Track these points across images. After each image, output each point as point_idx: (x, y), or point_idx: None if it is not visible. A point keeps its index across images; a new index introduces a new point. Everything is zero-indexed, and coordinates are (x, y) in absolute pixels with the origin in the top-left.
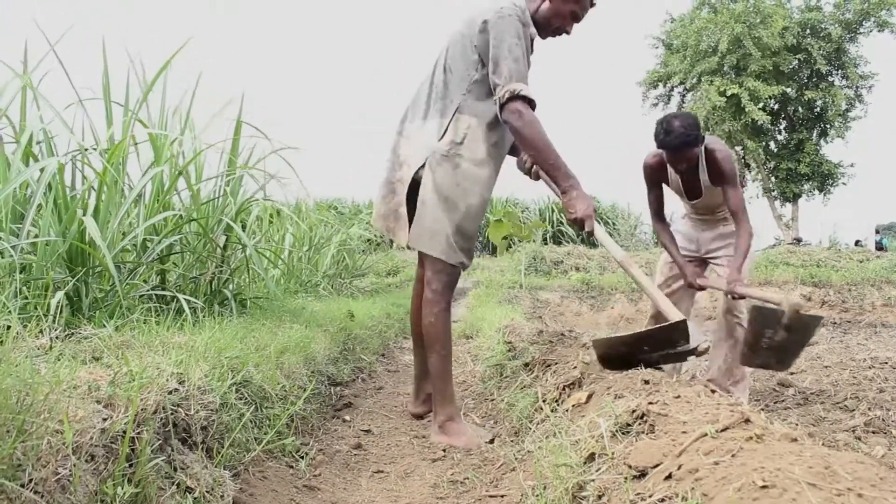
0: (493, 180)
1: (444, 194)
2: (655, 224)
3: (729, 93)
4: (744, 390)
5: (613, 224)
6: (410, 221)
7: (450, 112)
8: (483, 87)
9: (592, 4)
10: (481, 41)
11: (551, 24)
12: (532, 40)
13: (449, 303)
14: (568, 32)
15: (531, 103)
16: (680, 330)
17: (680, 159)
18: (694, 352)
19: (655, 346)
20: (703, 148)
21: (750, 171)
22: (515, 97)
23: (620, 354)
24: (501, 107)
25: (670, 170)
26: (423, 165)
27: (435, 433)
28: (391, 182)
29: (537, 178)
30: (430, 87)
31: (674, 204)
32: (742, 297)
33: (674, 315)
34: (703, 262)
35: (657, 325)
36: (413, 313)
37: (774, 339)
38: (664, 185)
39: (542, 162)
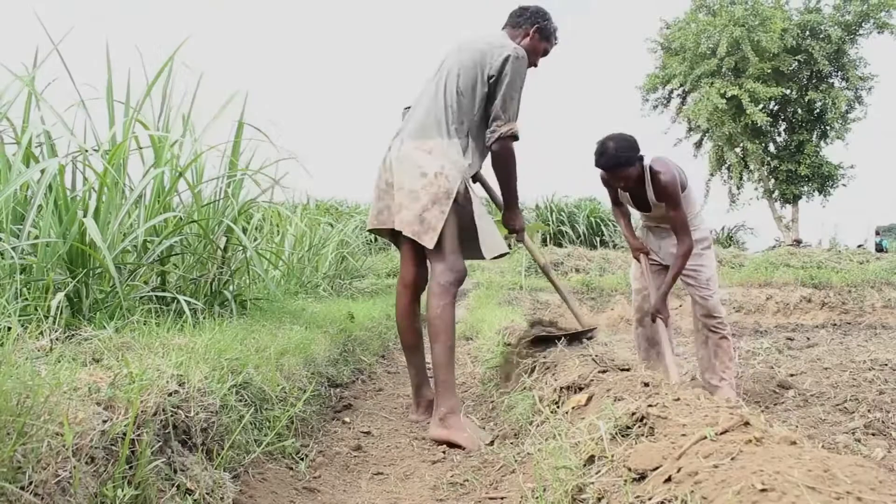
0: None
1: (479, 208)
2: (613, 209)
3: (729, 94)
4: (730, 389)
5: (607, 225)
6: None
7: (464, 133)
8: (485, 117)
9: (556, 42)
10: (497, 73)
11: (529, 58)
12: None
13: (455, 297)
14: (535, 66)
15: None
16: (592, 332)
17: (615, 178)
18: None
19: (571, 340)
20: (648, 167)
21: (750, 173)
22: (514, 136)
23: (548, 340)
24: (499, 138)
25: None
26: (461, 181)
27: (435, 425)
28: (413, 191)
29: (475, 181)
30: (446, 107)
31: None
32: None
33: (587, 322)
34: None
35: (581, 330)
36: (402, 320)
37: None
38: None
39: (509, 185)
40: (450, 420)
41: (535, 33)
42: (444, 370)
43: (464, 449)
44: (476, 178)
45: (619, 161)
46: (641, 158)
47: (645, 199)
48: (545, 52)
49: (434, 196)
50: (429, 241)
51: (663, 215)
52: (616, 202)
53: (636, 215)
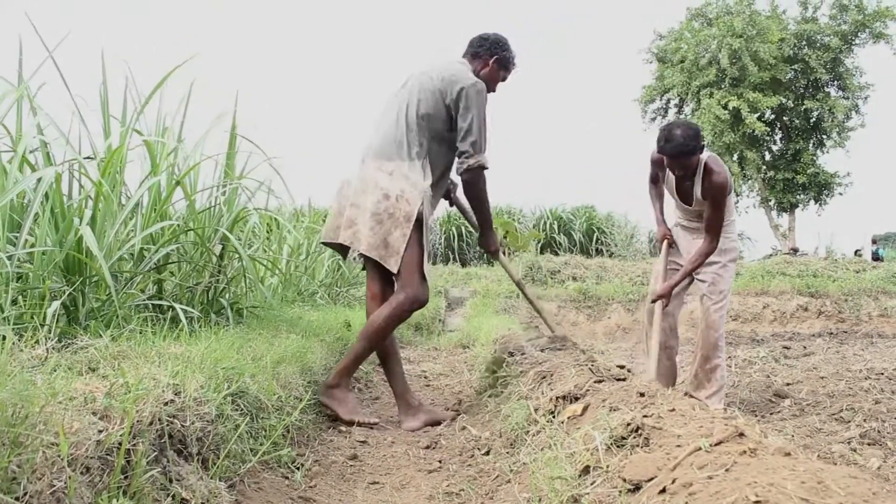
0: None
1: (429, 227)
2: (650, 187)
3: (731, 105)
4: (720, 400)
5: (609, 232)
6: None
7: (424, 155)
8: (450, 143)
9: (514, 68)
10: (454, 105)
11: (488, 86)
12: None
13: (405, 318)
14: (494, 91)
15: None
16: (560, 339)
17: (677, 166)
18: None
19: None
20: (703, 161)
21: (747, 182)
22: (481, 167)
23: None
24: (467, 169)
25: (668, 171)
26: (421, 203)
27: (321, 393)
28: (376, 213)
29: (451, 204)
30: (407, 129)
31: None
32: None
33: (557, 330)
34: (690, 280)
35: (550, 336)
36: None
37: None
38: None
39: (481, 211)
40: (332, 392)
41: (495, 63)
42: (353, 361)
43: (341, 419)
44: (452, 201)
45: (685, 149)
46: (703, 149)
47: (689, 192)
48: (503, 79)
49: (396, 220)
50: (393, 265)
51: (701, 212)
52: (655, 181)
53: (669, 210)
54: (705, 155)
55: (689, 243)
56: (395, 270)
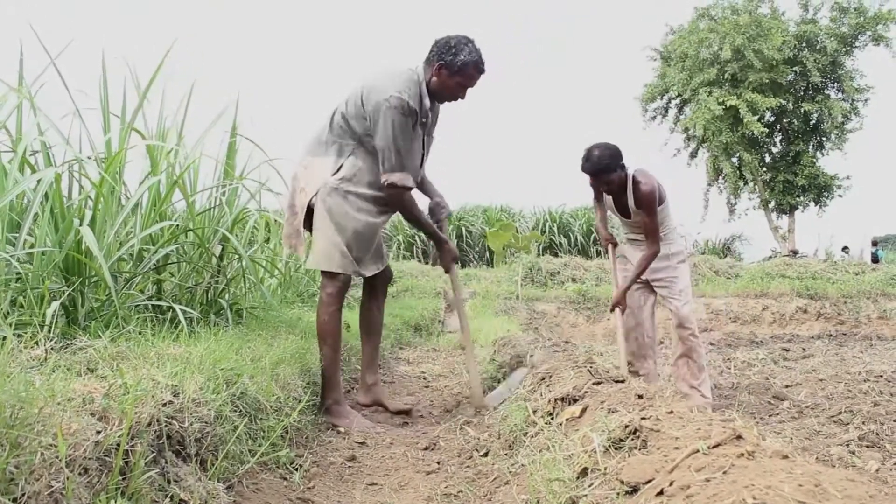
0: (384, 211)
1: (335, 219)
2: (594, 202)
3: (728, 104)
4: (706, 385)
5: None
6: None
7: (345, 154)
8: (371, 145)
9: (481, 72)
10: (371, 117)
11: (443, 94)
12: (429, 108)
13: (341, 305)
14: (462, 98)
15: (407, 187)
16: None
17: (598, 182)
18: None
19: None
20: (631, 176)
21: (746, 184)
22: (394, 187)
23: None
24: (384, 187)
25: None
26: (315, 194)
27: (323, 413)
28: (292, 205)
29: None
30: (330, 129)
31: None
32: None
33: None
34: (649, 286)
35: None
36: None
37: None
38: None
39: (418, 227)
40: (334, 409)
41: (442, 69)
42: (329, 370)
43: (344, 431)
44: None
45: (600, 168)
46: (623, 167)
47: (626, 206)
48: (461, 87)
49: (295, 211)
50: (301, 254)
51: (639, 222)
52: (598, 199)
53: (618, 227)
54: (633, 170)
55: (636, 252)
56: (302, 258)
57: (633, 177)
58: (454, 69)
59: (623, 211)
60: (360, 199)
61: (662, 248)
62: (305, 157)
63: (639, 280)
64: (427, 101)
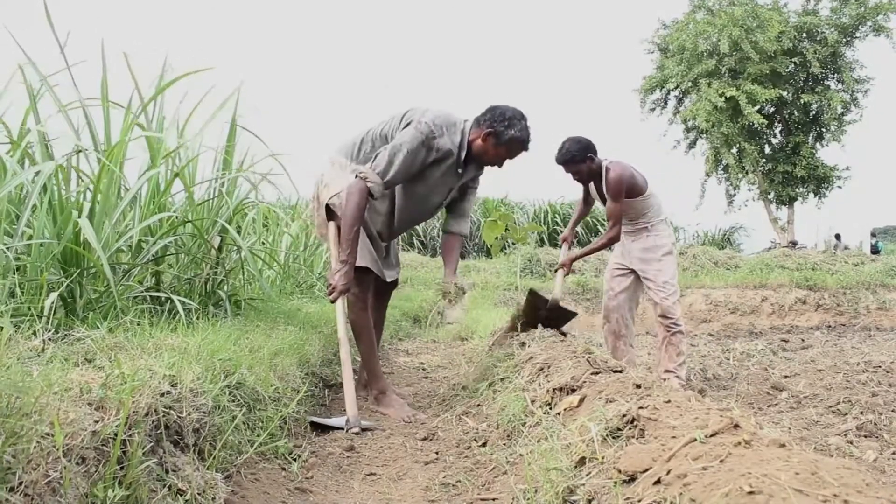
0: (394, 213)
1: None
2: (578, 203)
3: (728, 95)
4: (683, 369)
5: (603, 226)
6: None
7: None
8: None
9: (525, 150)
10: (401, 127)
11: (482, 157)
12: (453, 160)
13: (367, 305)
14: (500, 166)
15: (370, 191)
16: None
17: (569, 171)
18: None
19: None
20: (604, 165)
21: (746, 175)
22: (361, 179)
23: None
24: (356, 175)
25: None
26: (337, 195)
27: (371, 403)
28: (317, 197)
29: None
30: (364, 139)
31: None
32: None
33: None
34: (633, 273)
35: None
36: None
37: (541, 315)
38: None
39: (343, 229)
40: (381, 399)
41: (489, 136)
42: (369, 362)
43: (392, 417)
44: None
45: (567, 158)
46: (593, 158)
47: (603, 194)
48: (501, 158)
49: (320, 203)
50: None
51: (630, 214)
52: (586, 200)
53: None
54: (607, 161)
55: (630, 242)
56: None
57: (606, 167)
58: (502, 140)
59: (604, 199)
60: (375, 213)
61: (648, 240)
62: (336, 156)
63: (624, 267)
64: (455, 151)
